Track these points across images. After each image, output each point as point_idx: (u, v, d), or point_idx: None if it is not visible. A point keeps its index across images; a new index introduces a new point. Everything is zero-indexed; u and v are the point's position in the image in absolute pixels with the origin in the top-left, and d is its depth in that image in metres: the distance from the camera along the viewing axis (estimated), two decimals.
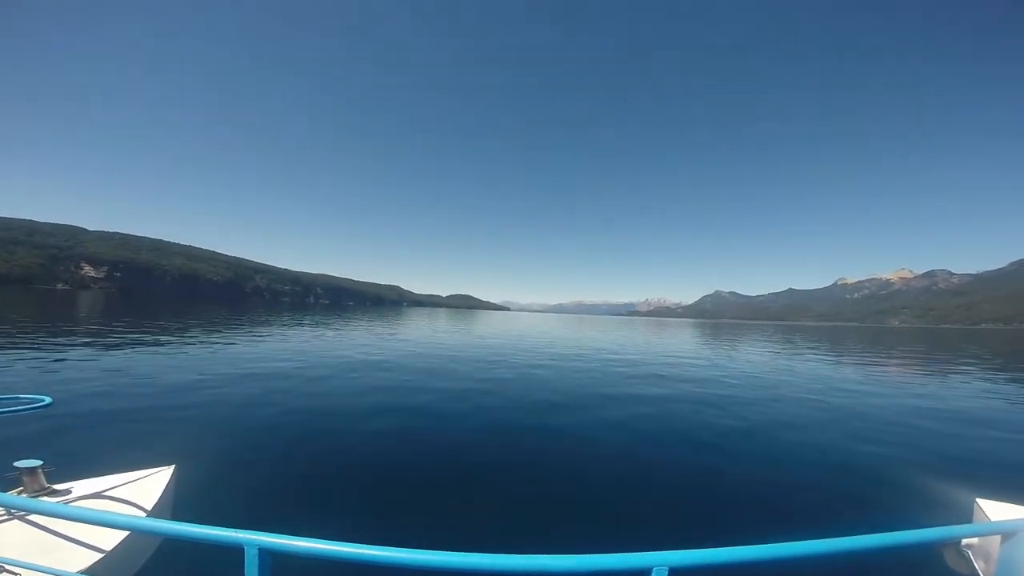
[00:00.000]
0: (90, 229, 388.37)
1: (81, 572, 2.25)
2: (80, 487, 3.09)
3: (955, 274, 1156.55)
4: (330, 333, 30.58)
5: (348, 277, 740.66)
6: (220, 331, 26.58)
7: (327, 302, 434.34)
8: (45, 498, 2.85)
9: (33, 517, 2.57)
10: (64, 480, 3.09)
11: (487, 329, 47.71)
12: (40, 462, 2.91)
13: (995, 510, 3.07)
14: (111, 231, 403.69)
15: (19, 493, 2.85)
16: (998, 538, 2.05)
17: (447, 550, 1.38)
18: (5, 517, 2.56)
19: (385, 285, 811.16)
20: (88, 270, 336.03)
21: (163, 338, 21.01)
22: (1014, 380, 18.82)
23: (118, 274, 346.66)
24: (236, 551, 1.45)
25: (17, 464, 2.85)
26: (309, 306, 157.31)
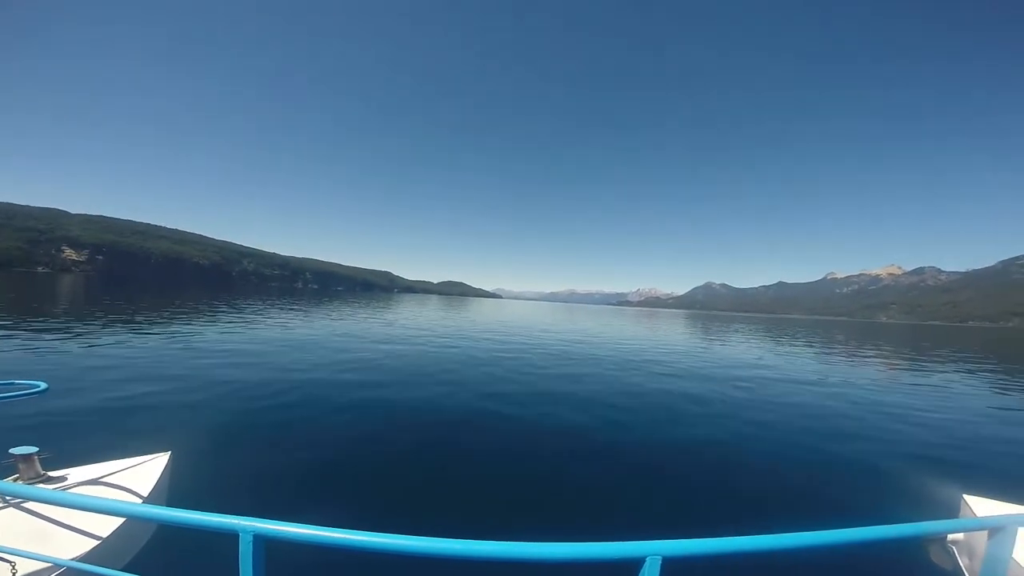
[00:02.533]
0: (72, 212, 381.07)
1: (77, 559, 2.22)
2: (76, 474, 3.07)
3: (944, 271, 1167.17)
4: (324, 318, 30.38)
5: (337, 262, 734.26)
6: (209, 316, 25.91)
7: (316, 287, 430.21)
8: (41, 485, 2.83)
9: (29, 504, 2.55)
10: (60, 467, 3.08)
11: (481, 317, 47.30)
12: (36, 448, 2.90)
13: (982, 506, 3.05)
14: (95, 214, 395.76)
15: (15, 480, 2.83)
16: (984, 534, 2.08)
17: (440, 536, 1.38)
18: (0, 504, 2.54)
19: (375, 270, 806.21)
20: (70, 253, 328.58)
21: (153, 322, 20.46)
22: (1004, 380, 18.42)
23: (100, 257, 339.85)
24: (231, 537, 1.46)
25: (12, 451, 2.83)
26: (298, 291, 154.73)
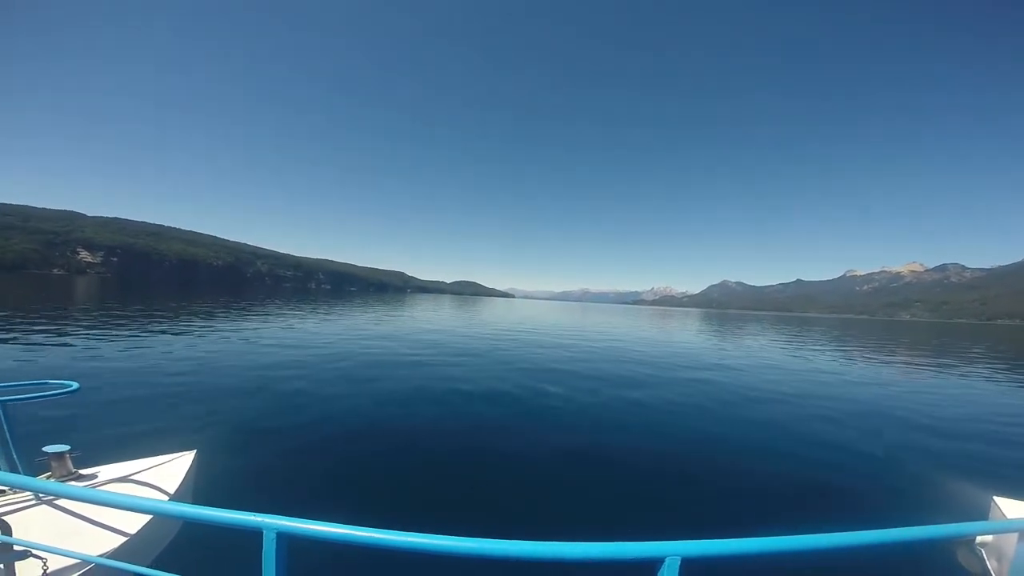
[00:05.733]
0: (88, 215, 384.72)
1: (105, 555, 2.29)
2: (105, 472, 3.14)
3: (968, 268, 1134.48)
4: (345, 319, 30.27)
5: (351, 263, 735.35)
6: (230, 317, 26.15)
7: (329, 287, 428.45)
8: (72, 483, 2.89)
9: (60, 501, 2.62)
10: (90, 465, 3.16)
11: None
12: (67, 447, 2.96)
13: (1012, 508, 2.95)
14: (110, 216, 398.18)
15: (47, 478, 2.89)
16: (1014, 536, 1.98)
17: (461, 536, 1.39)
18: (33, 502, 2.61)
19: (389, 271, 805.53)
20: (85, 255, 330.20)
21: (173, 324, 20.65)
22: None
23: (115, 259, 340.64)
24: (255, 534, 1.48)
25: (46, 449, 2.91)
26: (311, 292, 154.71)
